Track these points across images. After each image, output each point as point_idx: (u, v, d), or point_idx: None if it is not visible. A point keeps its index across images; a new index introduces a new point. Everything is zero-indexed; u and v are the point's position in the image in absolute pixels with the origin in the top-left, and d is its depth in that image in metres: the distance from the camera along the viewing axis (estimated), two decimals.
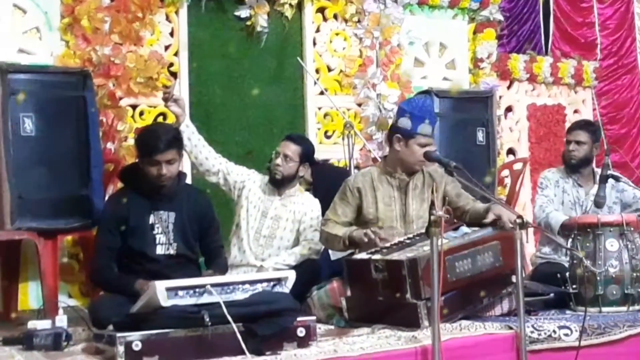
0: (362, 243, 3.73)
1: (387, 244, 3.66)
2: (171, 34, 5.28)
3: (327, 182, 4.57)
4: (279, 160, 4.32)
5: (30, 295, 4.55)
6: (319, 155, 5.44)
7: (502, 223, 3.68)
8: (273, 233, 4.33)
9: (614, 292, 3.95)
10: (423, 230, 3.74)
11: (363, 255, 3.65)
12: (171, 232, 3.65)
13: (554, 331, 3.46)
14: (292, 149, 4.34)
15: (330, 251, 4.37)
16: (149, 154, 3.59)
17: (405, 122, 3.86)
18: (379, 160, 5.05)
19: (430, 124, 3.88)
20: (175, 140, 3.65)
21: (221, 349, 3.03)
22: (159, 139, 3.59)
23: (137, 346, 2.98)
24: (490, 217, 3.75)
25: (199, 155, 4.27)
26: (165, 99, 4.19)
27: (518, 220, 3.28)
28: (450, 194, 3.93)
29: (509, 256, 3.59)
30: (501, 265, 3.66)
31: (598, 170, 4.81)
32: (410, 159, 3.86)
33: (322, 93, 5.65)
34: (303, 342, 3.20)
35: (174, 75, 5.24)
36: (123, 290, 3.51)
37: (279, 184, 4.35)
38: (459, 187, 3.98)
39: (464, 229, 3.81)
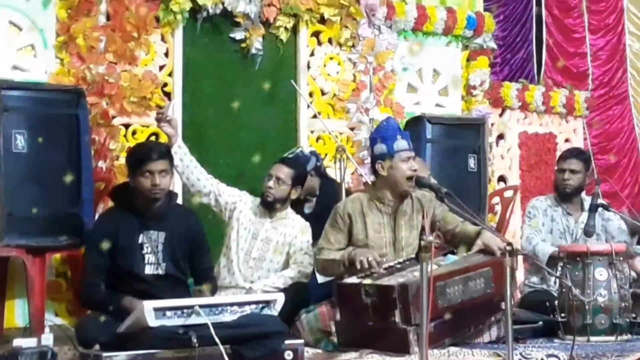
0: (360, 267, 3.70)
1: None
2: (166, 54, 5.30)
3: (330, 199, 4.57)
4: (271, 183, 4.32)
5: (16, 313, 4.52)
6: None
7: (491, 251, 3.71)
8: (263, 255, 4.32)
9: (603, 322, 3.95)
10: (413, 255, 3.75)
11: (353, 280, 3.64)
12: (160, 252, 3.63)
13: (542, 359, 3.46)
14: (284, 172, 4.34)
15: (317, 275, 4.36)
16: (141, 165, 3.58)
17: (380, 148, 3.90)
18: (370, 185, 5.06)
19: (403, 138, 3.91)
20: (166, 152, 3.67)
21: None
22: (151, 150, 3.61)
23: None
24: (477, 246, 3.77)
25: (190, 176, 4.27)
26: (158, 120, 4.20)
27: (507, 248, 3.29)
28: (438, 218, 3.94)
29: (500, 282, 3.60)
30: (492, 292, 3.67)
31: (585, 198, 4.83)
32: (397, 178, 3.87)
33: (315, 116, 5.67)
34: None
35: (168, 95, 5.25)
36: (111, 309, 3.48)
37: (270, 207, 4.34)
38: (446, 210, 3.99)
39: (452, 257, 3.82)
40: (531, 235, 4.65)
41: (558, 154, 7.14)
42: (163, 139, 4.77)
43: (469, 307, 3.61)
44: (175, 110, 5.18)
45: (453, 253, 3.87)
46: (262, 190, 4.35)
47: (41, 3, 4.78)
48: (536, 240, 4.61)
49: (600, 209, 4.60)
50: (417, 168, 3.92)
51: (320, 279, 4.32)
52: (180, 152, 4.16)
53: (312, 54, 5.88)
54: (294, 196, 4.41)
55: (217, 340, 2.99)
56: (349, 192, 4.84)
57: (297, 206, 4.67)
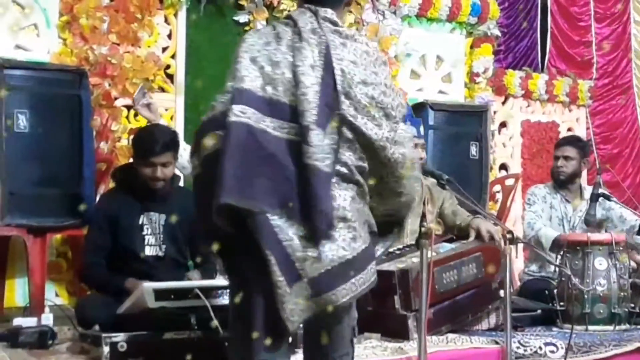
0: None
1: None
2: (169, 36, 5.28)
3: None
4: None
5: (16, 292, 4.53)
6: None
7: (480, 235, 3.72)
8: None
9: (601, 311, 3.96)
10: (413, 242, 3.76)
11: None
12: (161, 233, 3.63)
13: (540, 348, 3.47)
14: None
15: None
16: (144, 156, 3.57)
17: None
18: None
19: (412, 125, 3.88)
20: (171, 143, 3.63)
21: (207, 353, 3.02)
22: (155, 141, 3.56)
23: (122, 347, 2.98)
24: (471, 234, 3.78)
25: (179, 159, 4.24)
26: (133, 102, 4.17)
27: (508, 236, 3.29)
28: (447, 212, 3.95)
29: (490, 268, 3.67)
30: (482, 277, 3.69)
31: (585, 186, 4.84)
32: None
33: None
34: (289, 349, 3.19)
35: (171, 77, 5.24)
36: (111, 288, 3.49)
37: None
38: (455, 204, 3.99)
39: (447, 244, 3.82)
40: (532, 220, 4.66)
41: None
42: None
43: (463, 293, 3.62)
44: (178, 92, 5.18)
45: (452, 240, 3.88)
46: None
47: None
48: (539, 225, 4.61)
49: (601, 199, 4.60)
50: (424, 156, 3.91)
51: None
52: None
53: None
54: None
55: (216, 323, 3.00)
56: None
57: None
